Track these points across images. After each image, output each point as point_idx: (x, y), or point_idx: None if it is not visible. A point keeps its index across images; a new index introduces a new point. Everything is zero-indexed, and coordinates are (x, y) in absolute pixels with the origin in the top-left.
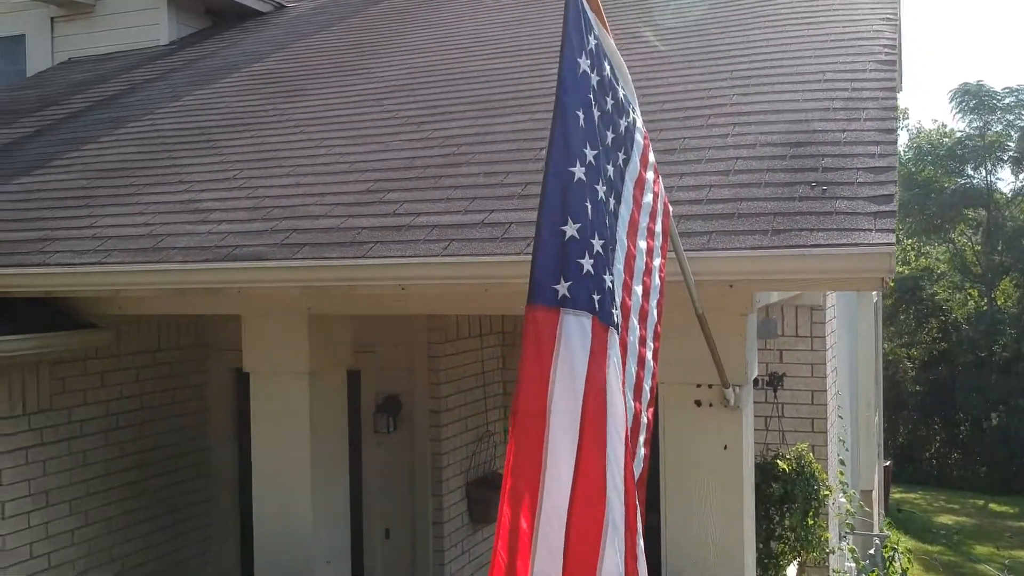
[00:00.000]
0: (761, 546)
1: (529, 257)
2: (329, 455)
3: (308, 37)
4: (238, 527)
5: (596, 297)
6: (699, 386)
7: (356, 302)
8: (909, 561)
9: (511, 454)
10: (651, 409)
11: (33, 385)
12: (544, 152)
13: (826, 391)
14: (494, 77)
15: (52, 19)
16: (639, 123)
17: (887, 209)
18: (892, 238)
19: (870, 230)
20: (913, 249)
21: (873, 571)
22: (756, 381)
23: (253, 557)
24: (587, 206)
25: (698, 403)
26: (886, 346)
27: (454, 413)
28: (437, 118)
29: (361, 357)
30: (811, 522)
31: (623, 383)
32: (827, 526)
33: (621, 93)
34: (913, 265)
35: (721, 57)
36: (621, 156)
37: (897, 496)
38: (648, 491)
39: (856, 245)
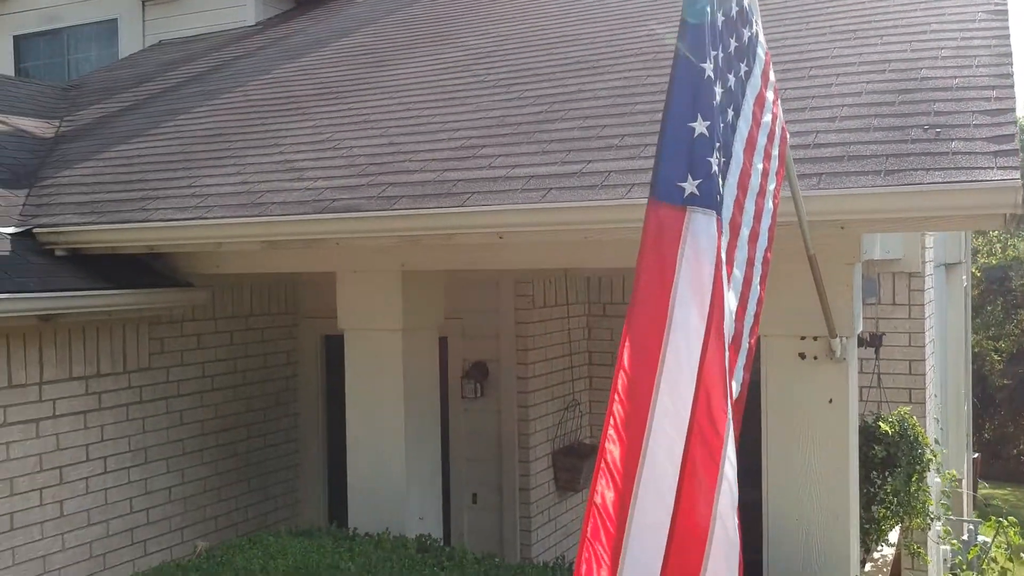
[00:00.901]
0: (862, 511)
1: (632, 202)
2: (421, 412)
3: (394, 13)
4: (326, 492)
5: (720, 199)
6: (803, 338)
7: (450, 256)
8: (1009, 558)
9: (623, 362)
10: (753, 339)
11: (134, 344)
12: (640, 107)
13: (924, 360)
14: (583, 40)
15: (143, 3)
16: (761, 36)
17: (1008, 148)
18: (1016, 174)
19: (990, 168)
20: (1000, 241)
21: (973, 548)
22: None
23: (343, 521)
24: (713, 105)
25: (802, 356)
26: (972, 338)
27: (541, 380)
28: (527, 80)
29: (448, 324)
30: (915, 487)
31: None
32: (930, 493)
33: (746, 0)
34: (1000, 256)
35: (817, 14)
36: (743, 67)
37: (984, 492)
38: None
39: (976, 182)
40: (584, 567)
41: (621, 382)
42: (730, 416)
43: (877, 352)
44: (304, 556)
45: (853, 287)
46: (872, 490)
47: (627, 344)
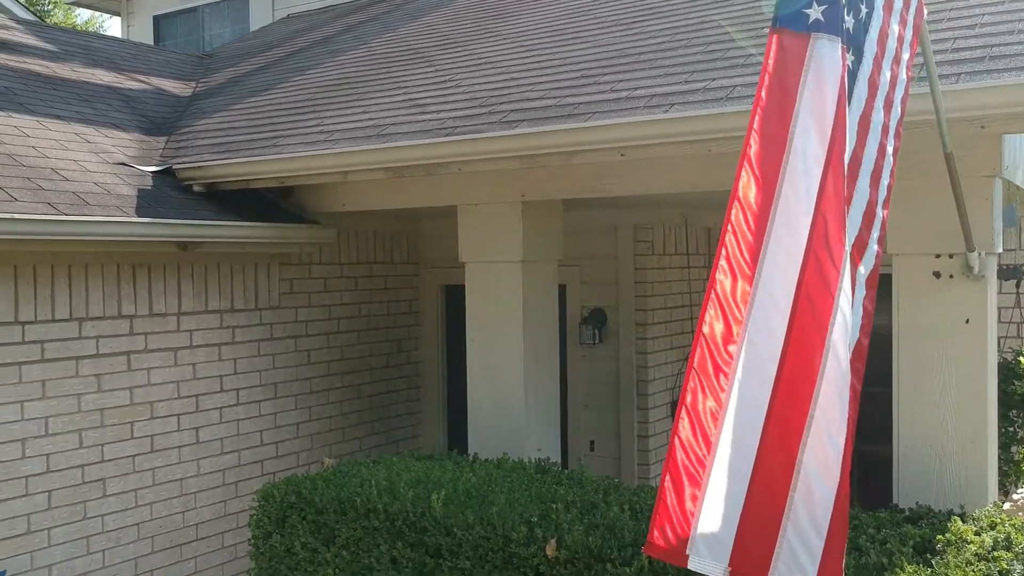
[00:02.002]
0: (1000, 451)
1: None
2: (540, 345)
3: None
4: (445, 440)
5: (847, 26)
6: (938, 256)
7: (570, 183)
8: None
9: (738, 193)
10: (886, 210)
11: (265, 283)
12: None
13: None
14: None
15: None
16: None
17: None
18: None
19: None
20: None
21: None
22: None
23: None
24: None
25: (936, 275)
26: None
27: (660, 328)
28: (648, 18)
29: (566, 271)
30: None
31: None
32: None
33: None
34: None
35: None
36: None
37: None
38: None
39: None
40: (690, 397)
41: (735, 213)
42: (848, 247)
43: (1018, 284)
44: (426, 471)
45: (993, 200)
46: (1012, 430)
47: (743, 174)
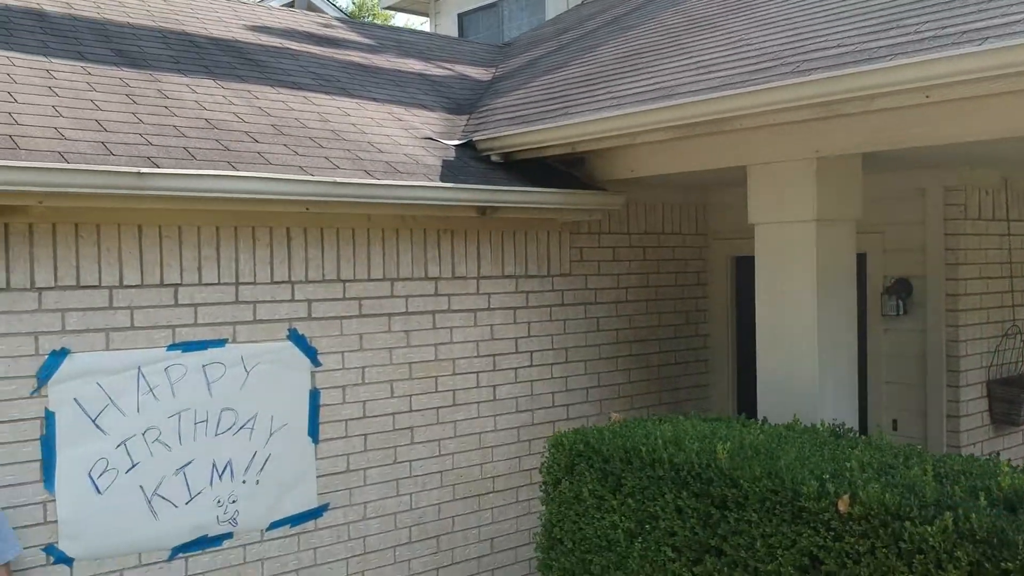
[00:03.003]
0: None
1: None
2: (836, 308)
3: None
4: (735, 413)
5: None
6: None
7: (868, 134)
8: None
9: None
10: None
11: (556, 250)
12: None
13: None
14: None
15: None
16: None
17: None
18: None
19: None
20: None
21: None
22: None
23: None
24: None
25: None
26: None
27: (974, 300)
28: None
29: (866, 238)
30: None
31: None
32: None
33: None
34: None
35: None
36: None
37: None
38: None
39: None
40: None
41: None
42: None
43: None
44: (712, 429)
45: None
46: None
47: None
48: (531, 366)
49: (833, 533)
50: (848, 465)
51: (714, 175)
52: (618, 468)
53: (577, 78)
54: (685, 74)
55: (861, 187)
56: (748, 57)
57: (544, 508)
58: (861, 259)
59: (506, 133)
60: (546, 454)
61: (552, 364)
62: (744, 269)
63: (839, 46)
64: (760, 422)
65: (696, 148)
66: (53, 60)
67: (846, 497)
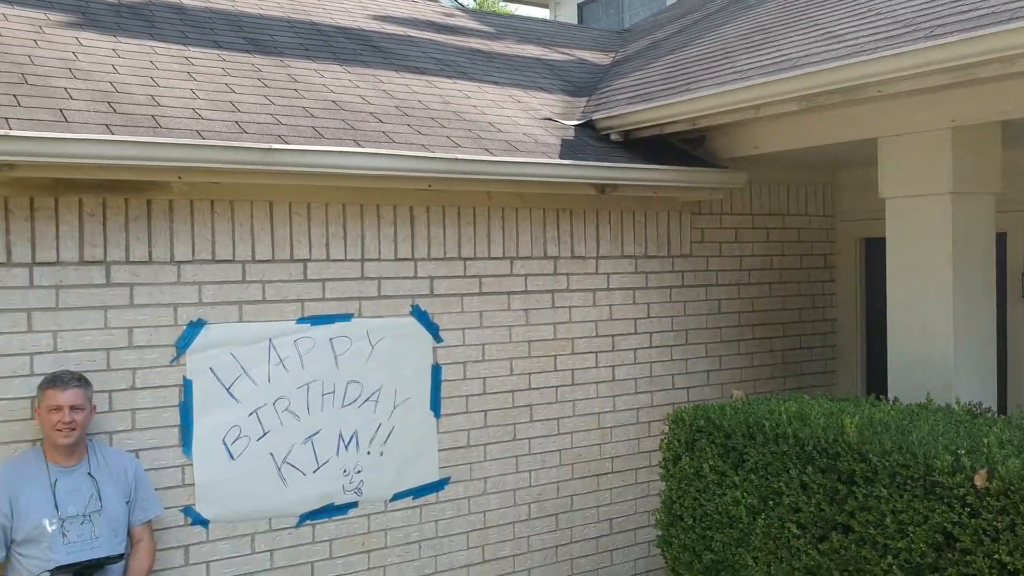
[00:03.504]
0: None
1: None
2: (973, 286)
3: None
4: None
5: None
6: None
7: (1012, 97)
8: None
9: None
10: None
11: (677, 230)
12: None
13: None
14: None
15: None
16: None
17: None
18: None
19: None
20: None
21: None
22: None
23: None
24: None
25: None
26: None
27: None
28: None
29: (1006, 217)
30: None
31: None
32: None
33: None
34: None
35: None
36: None
37: None
38: None
39: None
40: None
41: None
42: None
43: None
44: (839, 407)
45: None
46: None
47: None
48: (650, 347)
49: (969, 509)
50: (985, 441)
51: (843, 151)
52: (740, 443)
53: (699, 56)
54: (812, 45)
55: (1000, 158)
56: (879, 25)
57: (663, 484)
58: (1000, 238)
59: (626, 111)
60: (665, 430)
61: (672, 346)
62: (874, 252)
63: (975, 8)
64: (892, 400)
65: (824, 121)
66: (191, 48)
67: (983, 472)
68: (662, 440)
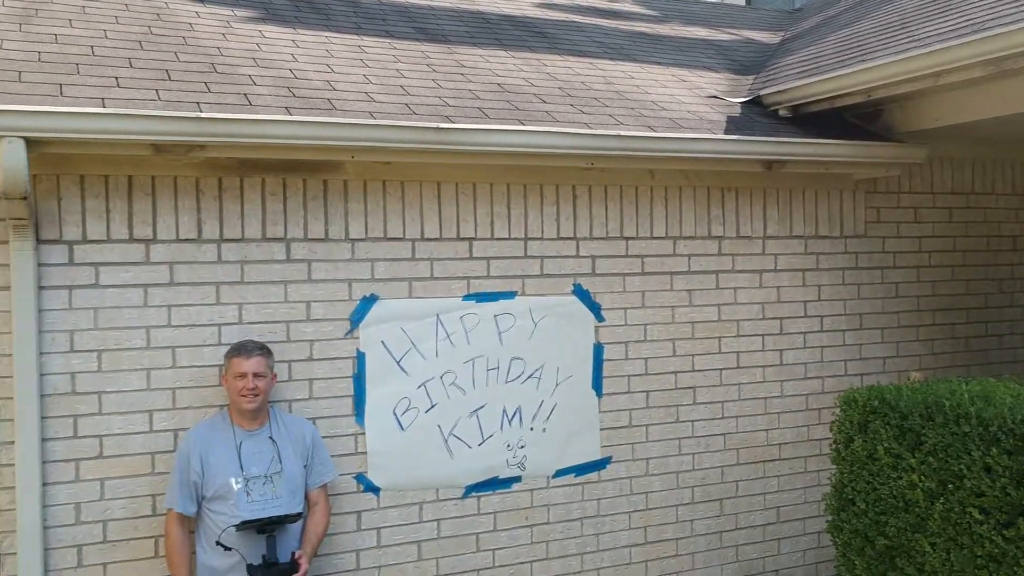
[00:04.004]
0: None
1: None
2: None
3: None
4: None
5: None
6: None
7: None
8: None
9: None
10: None
11: (850, 210)
12: None
13: None
14: None
15: None
16: None
17: None
18: None
19: None
20: None
21: None
22: None
23: None
24: None
25: None
26: None
27: None
28: None
29: None
30: None
31: None
32: None
33: None
34: None
35: None
36: None
37: None
38: None
39: None
40: None
41: None
42: None
43: None
44: None
45: None
46: None
47: None
48: (821, 331)
49: None
50: None
51: None
52: (917, 425)
53: (873, 29)
54: (1001, 6)
55: None
56: None
57: (834, 468)
58: None
59: (795, 84)
60: (836, 411)
61: (845, 330)
62: None
63: None
64: None
65: (1014, 88)
66: (364, 38)
67: None
68: (833, 422)
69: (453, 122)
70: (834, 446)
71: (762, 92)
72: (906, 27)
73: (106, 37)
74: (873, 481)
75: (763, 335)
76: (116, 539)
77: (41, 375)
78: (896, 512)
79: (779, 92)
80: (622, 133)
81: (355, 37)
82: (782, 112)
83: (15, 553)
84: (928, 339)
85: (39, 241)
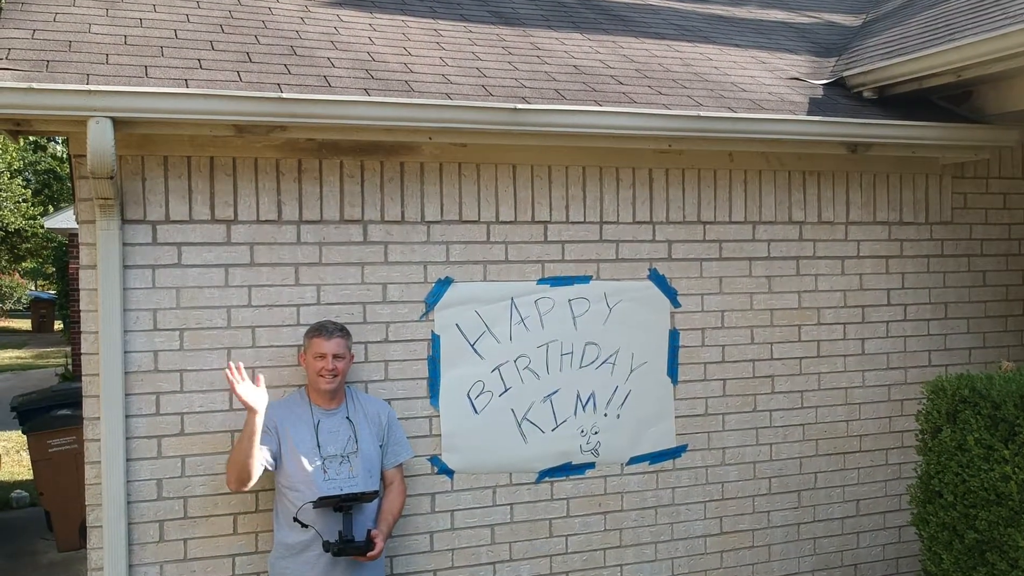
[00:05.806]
0: None
1: None
2: None
3: None
4: None
5: None
6: None
7: None
8: None
9: None
10: None
11: (936, 196)
12: None
13: None
14: None
15: None
16: None
17: None
18: None
19: None
20: None
21: None
22: None
23: None
24: None
25: None
26: None
27: None
28: None
29: None
30: None
31: None
32: None
33: None
34: None
35: None
36: None
37: None
38: None
39: None
40: None
41: None
42: None
43: None
44: None
45: None
46: None
47: None
48: (904, 320)
49: None
50: None
51: None
52: (1011, 415)
53: (962, 8)
54: None
55: None
56: None
57: (921, 459)
58: None
59: (881, 65)
60: (923, 401)
61: (929, 320)
62: None
63: None
64: None
65: None
66: (440, 21)
67: None
68: (919, 412)
69: (529, 103)
70: (920, 436)
71: (845, 73)
72: (999, 4)
73: (188, 21)
74: (962, 473)
75: (844, 323)
76: (196, 515)
77: (125, 352)
78: (987, 505)
79: (863, 73)
80: (702, 114)
81: (431, 21)
82: (867, 94)
83: (101, 526)
84: (1017, 329)
85: (124, 221)
